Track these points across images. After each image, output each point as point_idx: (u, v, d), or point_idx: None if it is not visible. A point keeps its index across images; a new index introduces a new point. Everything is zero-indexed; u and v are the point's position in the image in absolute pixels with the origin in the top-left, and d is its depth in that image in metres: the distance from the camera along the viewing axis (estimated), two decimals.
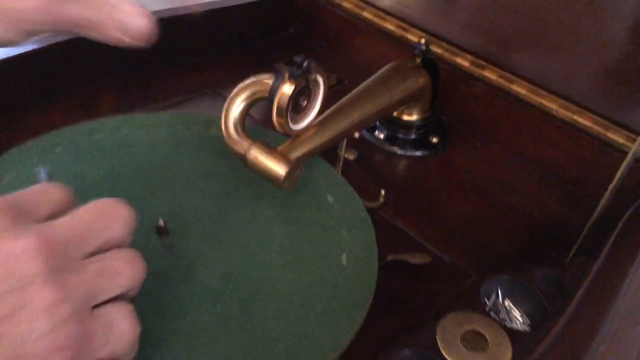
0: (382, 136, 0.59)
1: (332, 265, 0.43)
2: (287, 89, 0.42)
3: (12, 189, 0.45)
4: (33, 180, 0.46)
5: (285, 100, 0.42)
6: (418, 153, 0.59)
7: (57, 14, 0.29)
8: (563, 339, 0.35)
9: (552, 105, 0.55)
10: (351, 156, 0.57)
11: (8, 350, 0.24)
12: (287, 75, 0.41)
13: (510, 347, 0.33)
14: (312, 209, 0.48)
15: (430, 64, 0.57)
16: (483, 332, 0.34)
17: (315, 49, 0.74)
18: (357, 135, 0.52)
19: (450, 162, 0.59)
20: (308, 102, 0.45)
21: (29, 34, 0.30)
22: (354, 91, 0.51)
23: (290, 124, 0.44)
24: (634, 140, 0.51)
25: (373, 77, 0.53)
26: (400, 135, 0.59)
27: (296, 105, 0.44)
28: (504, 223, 0.52)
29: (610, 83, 0.52)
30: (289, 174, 0.43)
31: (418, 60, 0.56)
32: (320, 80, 0.44)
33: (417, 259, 0.45)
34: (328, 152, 0.53)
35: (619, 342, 0.39)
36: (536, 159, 0.58)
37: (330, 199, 0.48)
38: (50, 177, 0.44)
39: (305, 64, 0.41)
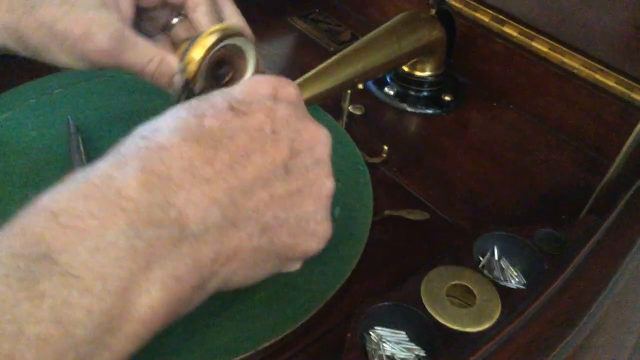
0: (392, 92, 0.56)
1: None
2: (196, 53, 0.35)
3: (8, 126, 0.45)
4: (29, 118, 0.46)
5: (194, 67, 0.35)
6: (429, 111, 0.56)
7: (117, 59, 0.36)
8: (560, 298, 0.32)
9: (573, 63, 0.52)
10: (358, 111, 0.55)
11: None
12: (197, 39, 0.35)
13: (499, 304, 0.31)
14: None
15: (446, 16, 0.54)
16: (471, 287, 0.32)
17: (333, 3, 0.71)
18: (360, 86, 0.49)
19: (463, 122, 0.56)
20: (234, 74, 0.38)
21: (93, 66, 0.37)
22: (360, 40, 0.49)
23: None
24: None
25: (382, 26, 0.50)
26: (412, 92, 0.56)
27: (216, 77, 0.38)
28: (515, 186, 0.49)
29: (636, 39, 0.48)
30: None
31: (433, 11, 0.53)
32: (248, 48, 0.37)
33: (415, 215, 0.43)
34: (334, 106, 0.51)
35: (622, 307, 0.36)
36: (555, 120, 0.55)
37: None
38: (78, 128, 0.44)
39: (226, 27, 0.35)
